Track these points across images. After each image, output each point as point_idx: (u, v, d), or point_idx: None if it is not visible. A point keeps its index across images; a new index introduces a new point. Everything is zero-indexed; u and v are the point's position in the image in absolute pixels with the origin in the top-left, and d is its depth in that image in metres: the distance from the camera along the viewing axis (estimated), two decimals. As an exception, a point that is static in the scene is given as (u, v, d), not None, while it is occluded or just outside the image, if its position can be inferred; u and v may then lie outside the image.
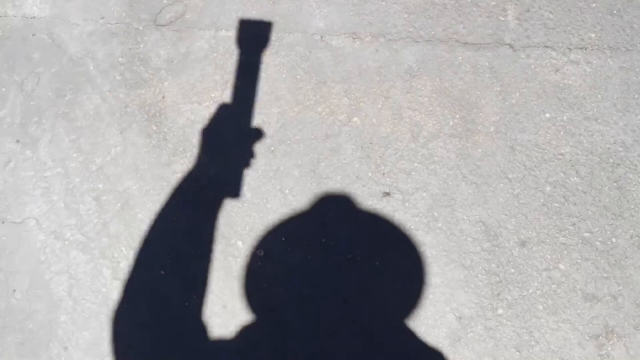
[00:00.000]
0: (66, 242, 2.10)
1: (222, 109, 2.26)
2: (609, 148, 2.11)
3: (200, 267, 2.03)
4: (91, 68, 2.39)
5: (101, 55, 2.41)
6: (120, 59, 2.40)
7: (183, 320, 1.96)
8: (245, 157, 2.17)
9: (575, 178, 2.07)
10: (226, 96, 2.29)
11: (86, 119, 2.29)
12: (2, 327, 2.01)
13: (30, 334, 1.99)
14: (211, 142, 2.20)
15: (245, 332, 1.94)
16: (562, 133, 2.14)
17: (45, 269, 2.07)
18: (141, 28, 2.45)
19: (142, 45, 2.42)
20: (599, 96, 2.20)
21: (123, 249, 2.07)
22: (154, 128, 2.25)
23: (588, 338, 1.86)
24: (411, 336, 1.90)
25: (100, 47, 2.43)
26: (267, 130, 2.22)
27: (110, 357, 1.96)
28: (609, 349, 1.85)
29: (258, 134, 2.21)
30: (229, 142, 2.19)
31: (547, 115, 2.18)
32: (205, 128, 2.23)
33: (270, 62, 2.33)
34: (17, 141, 2.27)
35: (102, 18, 2.48)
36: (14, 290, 2.05)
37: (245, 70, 2.33)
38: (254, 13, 2.42)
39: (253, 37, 2.39)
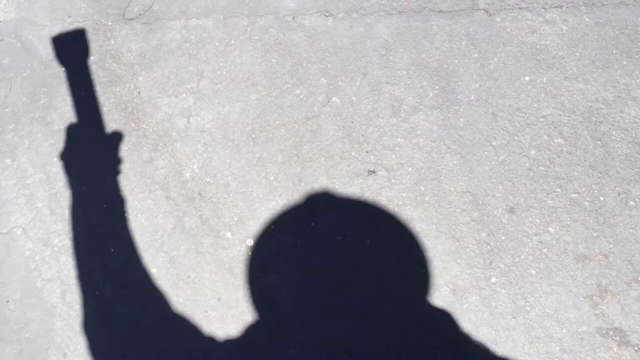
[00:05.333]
0: (55, 249, 2.02)
1: (199, 99, 2.16)
2: (590, 106, 2.04)
3: (191, 262, 1.96)
4: (63, 69, 2.27)
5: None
6: (91, 57, 2.28)
7: (178, 317, 1.89)
8: (226, 147, 2.08)
9: (559, 139, 2.00)
10: (202, 86, 2.19)
11: (63, 121, 2.20)
12: (-2, 340, 1.95)
13: (27, 343, 1.94)
14: (191, 135, 2.11)
15: (242, 323, 1.87)
16: (542, 95, 2.07)
17: (36, 277, 2.00)
18: (110, 24, 2.34)
19: (112, 42, 2.31)
20: (578, 54, 2.12)
21: (112, 250, 1.99)
22: (132, 125, 2.17)
23: (582, 299, 1.82)
24: (411, 309, 1.85)
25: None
26: (247, 117, 2.14)
27: (107, 359, 1.90)
28: (604, 307, 1.80)
29: (237, 121, 2.12)
30: (208, 133, 2.11)
31: (527, 78, 2.10)
32: (184, 120, 2.14)
33: (244, 47, 2.24)
34: (-4, 150, 2.17)
35: (70, 17, 2.36)
36: (7, 301, 1.99)
37: (220, 58, 2.23)
38: (223, -1, 2.31)
39: (226, 22, 2.27)
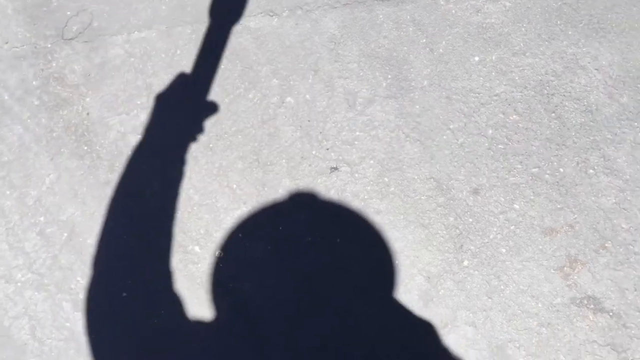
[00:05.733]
0: (18, 284, 1.96)
1: (151, 114, 2.11)
2: (541, 79, 2.06)
3: (162, 281, 1.91)
4: (6, 97, 2.20)
5: (13, 82, 2.22)
6: (34, 83, 2.22)
7: (154, 338, 1.85)
8: (184, 159, 2.04)
9: (514, 116, 2.01)
10: (152, 101, 2.14)
11: (12, 152, 2.12)
12: (-30, 386, 1.88)
13: (1, 386, 1.87)
14: (147, 150, 2.06)
15: (219, 335, 1.84)
16: (493, 73, 2.08)
17: (2, 316, 1.94)
18: (49, 46, 2.26)
19: (54, 64, 2.24)
20: (523, 29, 2.14)
21: (79, 279, 1.94)
22: (85, 148, 2.10)
23: (553, 271, 1.84)
24: (388, 307, 1.85)
25: (11, 74, 2.24)
26: (202, 127, 2.08)
27: None
28: (575, 277, 1.83)
29: (193, 132, 2.07)
30: (165, 147, 2.06)
31: (476, 58, 2.11)
32: (138, 137, 2.08)
33: (191, 56, 2.18)
34: (-56, 190, 2.08)
35: (6, 43, 2.28)
36: (-25, 345, 1.91)
37: (167, 69, 2.18)
38: (164, 8, 2.26)
39: (170, 32, 2.22)
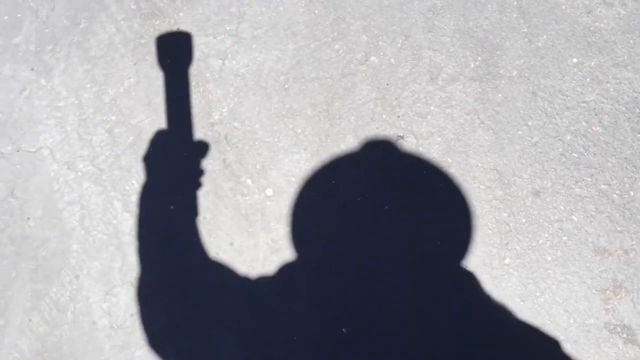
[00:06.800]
0: (79, 173, 2.09)
1: (237, 42, 2.17)
2: (636, 97, 1.98)
3: (209, 204, 2.00)
4: (106, -5, 2.30)
5: (116, -17, 2.32)
6: (135, -13, 2.30)
7: (191, 256, 1.95)
8: (258, 94, 2.09)
9: (597, 127, 1.96)
10: (242, 30, 2.20)
11: (100, 48, 2.23)
12: (16, 254, 2.04)
13: (43, 261, 2.02)
14: (224, 78, 2.12)
15: (251, 270, 1.92)
16: (588, 79, 2.02)
17: (58, 199, 2.07)
18: (156, -45, 2.33)
19: (157, -27, 2.31)
20: (631, 41, 2.05)
21: (134, 182, 2.05)
22: (168, 61, 2.18)
23: (595, 291, 1.81)
24: (420, 281, 1.87)
25: (115, -26, 2.33)
26: (282, 66, 2.14)
27: (120, 287, 1.97)
28: (616, 303, 1.80)
29: (272, 69, 2.12)
30: (242, 78, 2.12)
31: (575, 60, 2.05)
32: (219, 62, 2.15)
33: (288, -6, 2.22)
34: (32, 69, 2.23)
35: (117, -57, 2.36)
36: (28, 218, 2.06)
37: (262, 3, 2.22)
38: (273, -59, 2.28)
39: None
